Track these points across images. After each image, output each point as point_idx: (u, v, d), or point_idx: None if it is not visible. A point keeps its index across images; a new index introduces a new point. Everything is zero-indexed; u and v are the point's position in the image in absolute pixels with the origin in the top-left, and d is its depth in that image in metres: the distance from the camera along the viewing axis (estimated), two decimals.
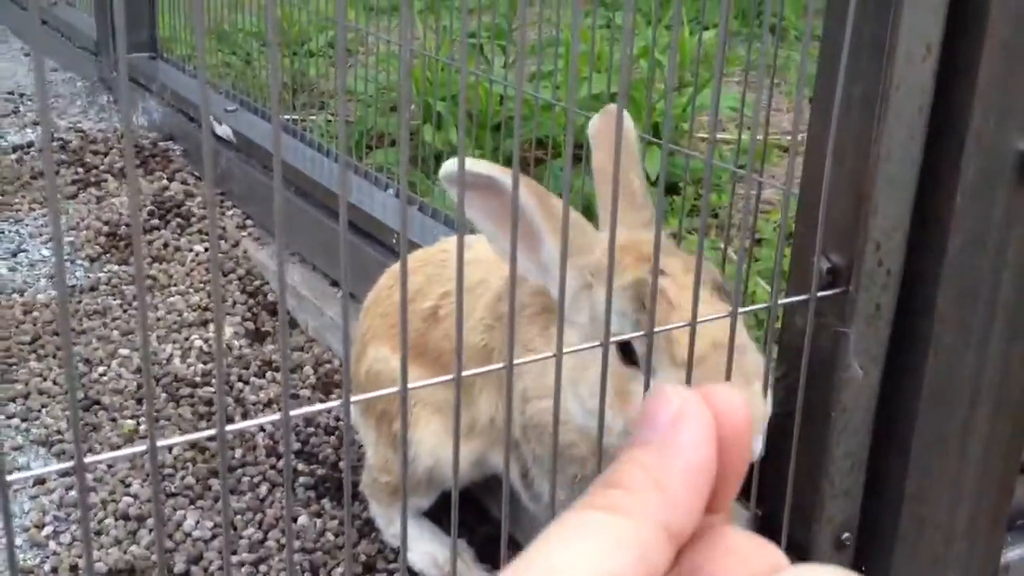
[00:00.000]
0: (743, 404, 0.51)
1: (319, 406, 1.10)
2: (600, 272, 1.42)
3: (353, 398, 1.00)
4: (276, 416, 1.05)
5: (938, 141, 1.30)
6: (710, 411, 0.51)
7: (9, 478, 0.85)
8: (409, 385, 1.03)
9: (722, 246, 3.11)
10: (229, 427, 1.03)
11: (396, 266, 2.14)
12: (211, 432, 1.01)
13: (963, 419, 1.44)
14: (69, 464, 0.88)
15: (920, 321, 1.36)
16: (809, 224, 1.37)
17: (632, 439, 0.52)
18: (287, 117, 3.55)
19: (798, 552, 1.47)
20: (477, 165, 1.42)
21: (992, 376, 1.43)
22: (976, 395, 1.44)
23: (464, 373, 1.03)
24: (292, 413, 1.05)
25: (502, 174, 1.42)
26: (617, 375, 1.40)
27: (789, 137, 3.81)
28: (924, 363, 1.37)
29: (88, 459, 0.89)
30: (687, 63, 4.11)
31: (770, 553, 0.50)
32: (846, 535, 1.46)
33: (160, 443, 0.93)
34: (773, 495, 1.47)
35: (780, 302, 1.31)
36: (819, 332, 1.36)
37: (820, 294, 1.32)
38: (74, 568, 2.05)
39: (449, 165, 1.35)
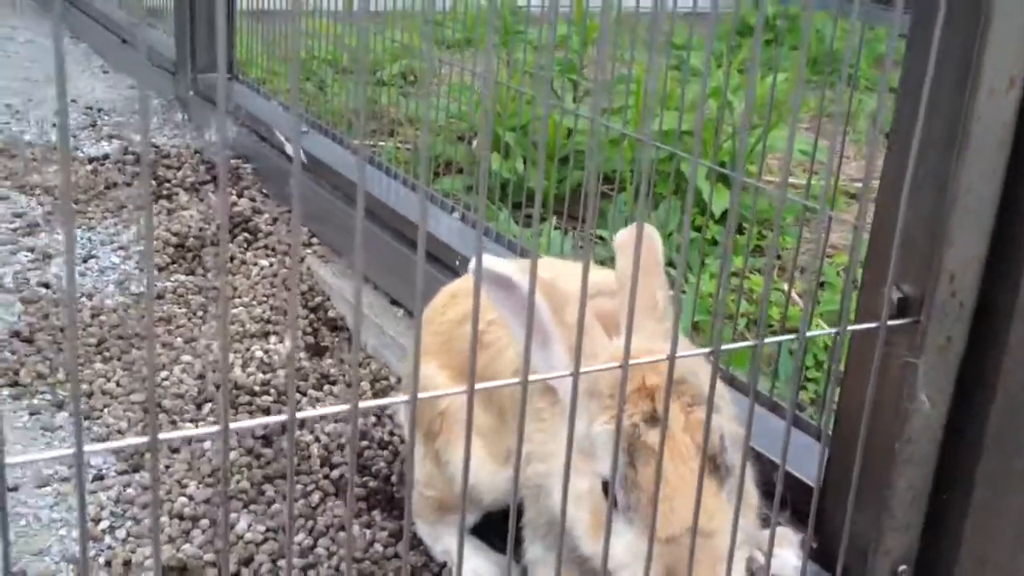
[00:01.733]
0: None
1: (385, 400, 1.11)
2: (595, 394, 1.46)
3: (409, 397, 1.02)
4: (345, 407, 1.07)
5: (1018, 173, 1.30)
6: None
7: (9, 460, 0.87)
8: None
9: (785, 287, 3.10)
10: (299, 414, 1.05)
11: (450, 285, 2.17)
12: (282, 418, 1.03)
13: None
14: (69, 451, 0.89)
15: (990, 355, 1.35)
16: (881, 256, 1.37)
17: None
18: (358, 142, 3.60)
19: None
20: (497, 265, 1.46)
21: None
22: None
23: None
24: (361, 405, 1.06)
25: (517, 275, 1.46)
26: (597, 509, 1.42)
27: (857, 183, 3.78)
28: (993, 398, 1.36)
29: (86, 448, 0.90)
30: (760, 106, 4.12)
31: None
32: (903, 568, 1.44)
33: (161, 436, 0.94)
34: (831, 525, 1.46)
35: (849, 328, 1.31)
36: (887, 362, 1.35)
37: (891, 323, 1.31)
38: (127, 563, 2.08)
39: (486, 266, 1.43)
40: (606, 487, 1.41)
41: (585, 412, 1.45)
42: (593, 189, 2.68)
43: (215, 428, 0.92)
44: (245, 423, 0.97)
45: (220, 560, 2.09)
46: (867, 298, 1.39)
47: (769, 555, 1.40)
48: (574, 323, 1.48)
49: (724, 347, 1.22)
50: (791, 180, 4.08)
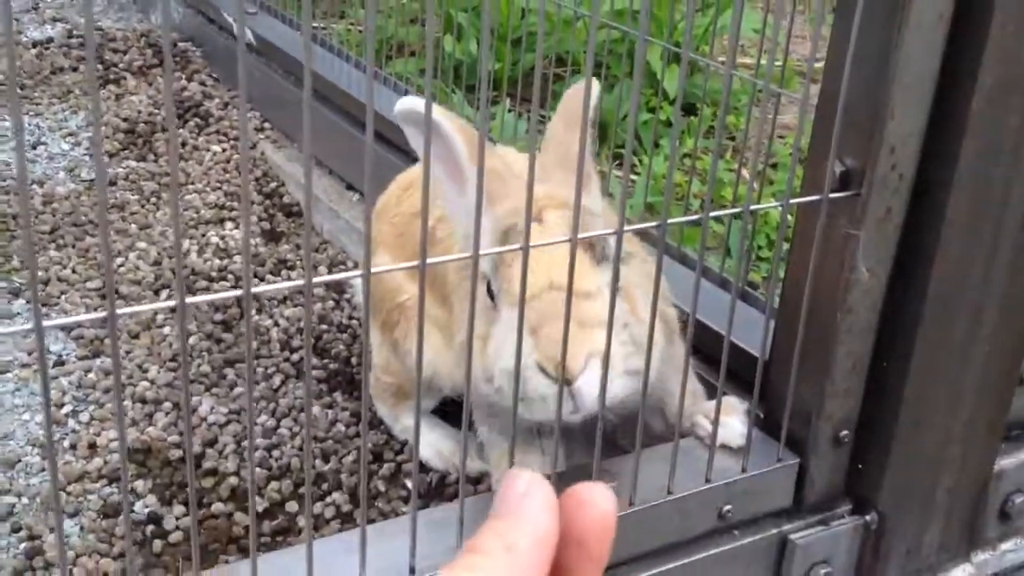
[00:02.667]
0: (611, 502, 0.65)
1: (340, 275, 1.13)
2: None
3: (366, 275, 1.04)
4: (300, 282, 1.08)
5: (957, 50, 1.32)
6: (578, 497, 0.65)
7: None
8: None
9: (736, 167, 3.13)
10: (255, 289, 1.07)
11: (404, 175, 2.17)
12: (238, 292, 1.05)
13: (967, 326, 1.48)
14: (28, 327, 0.90)
15: (929, 228, 1.39)
16: (826, 131, 1.40)
17: (491, 511, 0.65)
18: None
19: (798, 448, 1.51)
20: (415, 104, 1.43)
21: (999, 286, 1.47)
22: (981, 303, 1.47)
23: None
24: (315, 280, 1.08)
25: (440, 116, 1.45)
26: (481, 318, 1.43)
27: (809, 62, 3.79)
28: (931, 269, 1.41)
29: (46, 323, 0.91)
30: None
31: None
32: (844, 433, 1.51)
33: (120, 311, 0.96)
34: (775, 393, 1.52)
35: (792, 201, 1.35)
36: (830, 234, 1.39)
37: (832, 195, 1.35)
38: (92, 445, 2.11)
39: (402, 103, 1.41)
40: (488, 288, 1.45)
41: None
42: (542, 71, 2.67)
43: (173, 303, 0.94)
44: (202, 298, 0.99)
45: (184, 441, 2.13)
46: (811, 173, 1.42)
47: (716, 423, 1.46)
48: (493, 167, 1.48)
49: (670, 221, 1.25)
50: (744, 60, 4.08)
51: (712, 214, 1.26)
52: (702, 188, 3.17)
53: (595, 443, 1.31)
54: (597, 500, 0.66)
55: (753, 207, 1.31)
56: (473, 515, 1.28)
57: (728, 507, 1.45)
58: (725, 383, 1.46)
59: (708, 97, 3.65)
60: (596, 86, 1.58)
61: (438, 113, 1.45)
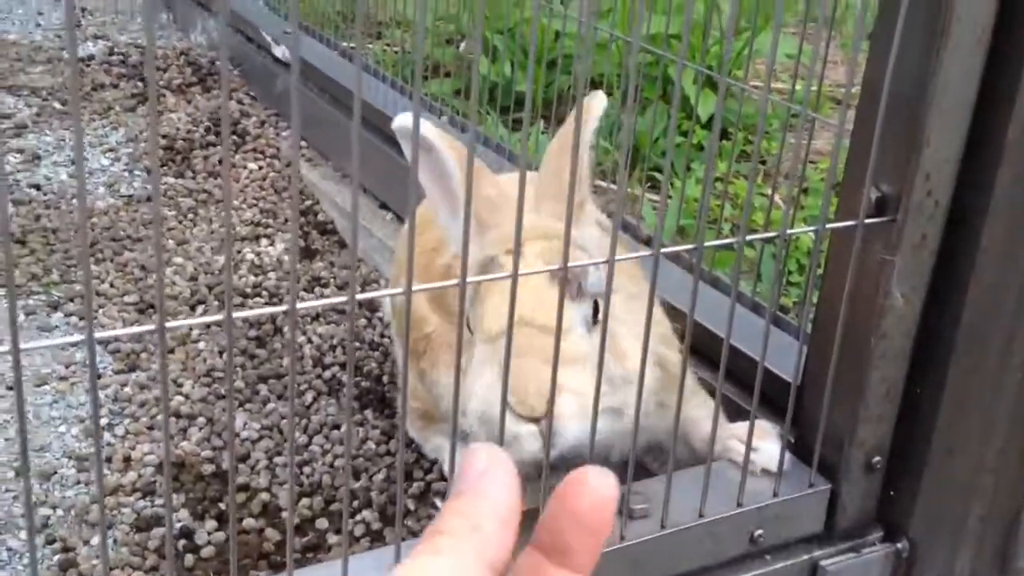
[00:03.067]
0: (611, 487, 0.64)
1: (382, 292, 1.14)
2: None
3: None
4: (343, 298, 1.09)
5: (994, 76, 1.32)
6: (578, 481, 0.65)
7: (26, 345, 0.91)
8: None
9: (769, 192, 3.14)
10: (300, 305, 1.08)
11: (423, 208, 2.14)
12: (283, 308, 1.06)
13: (1000, 354, 1.48)
14: (81, 338, 0.91)
15: (965, 254, 1.39)
16: (862, 157, 1.40)
17: (453, 489, 0.65)
18: (344, 44, 3.58)
19: (830, 474, 1.51)
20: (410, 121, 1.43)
21: None
22: (1015, 331, 1.47)
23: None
24: (358, 297, 1.09)
25: (433, 135, 1.44)
26: (466, 351, 1.39)
27: (843, 88, 3.80)
28: (965, 296, 1.40)
29: (99, 335, 0.92)
30: (747, 9, 4.10)
31: None
32: (877, 459, 1.50)
33: (169, 324, 0.98)
34: (807, 418, 1.52)
35: (828, 226, 1.35)
36: (864, 260, 1.39)
37: (868, 221, 1.35)
38: (127, 459, 2.14)
39: (399, 120, 1.41)
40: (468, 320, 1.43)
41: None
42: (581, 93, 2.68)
43: (219, 316, 0.96)
44: (249, 312, 1.01)
45: (227, 453, 2.15)
46: (847, 198, 1.42)
47: (748, 446, 1.46)
48: (487, 195, 1.48)
49: (707, 244, 1.26)
50: (777, 85, 4.09)
51: (748, 238, 1.26)
52: (733, 212, 3.18)
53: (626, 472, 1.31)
54: (592, 479, 0.66)
55: (789, 231, 1.31)
56: None
57: (760, 531, 1.45)
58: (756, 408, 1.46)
59: (741, 122, 3.66)
60: (602, 99, 1.54)
61: (431, 132, 1.44)
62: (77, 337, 0.89)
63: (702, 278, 2.12)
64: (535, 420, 1.25)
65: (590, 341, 1.36)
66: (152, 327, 0.95)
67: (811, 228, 1.34)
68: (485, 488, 0.63)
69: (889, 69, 1.30)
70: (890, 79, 1.29)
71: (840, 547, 1.53)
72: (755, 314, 2.01)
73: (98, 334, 0.93)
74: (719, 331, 1.81)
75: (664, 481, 1.40)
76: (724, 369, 1.41)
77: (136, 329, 0.95)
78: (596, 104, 1.53)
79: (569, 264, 1.16)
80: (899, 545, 1.56)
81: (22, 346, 0.86)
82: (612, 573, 1.36)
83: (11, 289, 0.87)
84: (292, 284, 0.97)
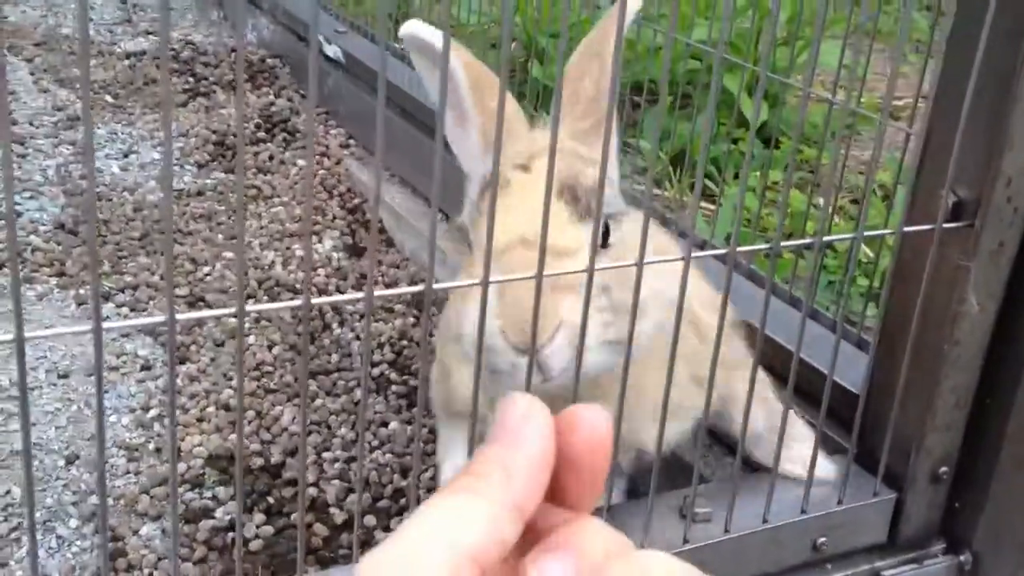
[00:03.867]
0: (604, 423, 0.64)
1: (401, 289, 1.11)
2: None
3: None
4: (420, 287, 1.07)
5: None
6: (570, 419, 0.66)
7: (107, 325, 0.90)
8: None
9: (820, 202, 3.10)
10: (315, 300, 1.06)
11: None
12: (360, 295, 1.05)
13: None
14: (87, 328, 0.89)
15: None
16: (935, 160, 1.38)
17: (489, 435, 0.66)
18: (395, 44, 3.58)
19: (895, 484, 1.49)
20: (423, 30, 1.34)
21: None
22: None
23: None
24: (376, 293, 1.05)
25: (437, 40, 1.33)
26: (465, 273, 1.33)
27: (898, 100, 3.74)
28: None
29: (106, 325, 0.90)
30: (794, 18, 4.07)
31: (621, 539, 0.61)
32: (944, 470, 1.48)
33: (249, 307, 0.95)
34: (872, 427, 1.49)
35: (906, 229, 1.33)
36: (939, 266, 1.37)
37: (945, 225, 1.32)
38: (177, 451, 2.13)
39: (407, 26, 1.33)
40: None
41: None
42: (670, 101, 2.67)
43: (298, 302, 0.95)
44: (326, 299, 1.00)
45: (298, 441, 2.15)
46: (920, 203, 1.40)
47: (814, 456, 1.43)
48: (494, 108, 1.39)
49: (740, 249, 1.23)
50: (823, 93, 4.04)
51: (826, 238, 1.24)
52: (787, 224, 3.14)
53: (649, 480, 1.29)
54: (587, 418, 0.66)
55: (867, 233, 1.29)
56: None
57: (823, 539, 1.43)
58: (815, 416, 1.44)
59: (789, 130, 3.62)
60: (636, 2, 1.40)
61: (435, 38, 1.34)
62: (159, 319, 0.88)
63: (762, 285, 2.10)
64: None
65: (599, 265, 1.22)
66: (163, 318, 0.93)
67: (889, 231, 1.32)
68: (523, 435, 0.65)
69: (974, 71, 1.27)
70: (975, 79, 1.27)
71: (902, 558, 1.51)
72: (813, 320, 1.99)
73: (106, 324, 0.90)
74: (779, 338, 1.79)
75: (727, 485, 1.38)
76: (792, 384, 1.39)
77: (219, 312, 0.94)
78: (630, 6, 1.37)
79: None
80: (962, 558, 1.53)
81: (106, 325, 0.85)
82: None
83: (94, 271, 0.86)
84: (370, 275, 0.96)
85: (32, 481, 0.89)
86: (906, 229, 1.32)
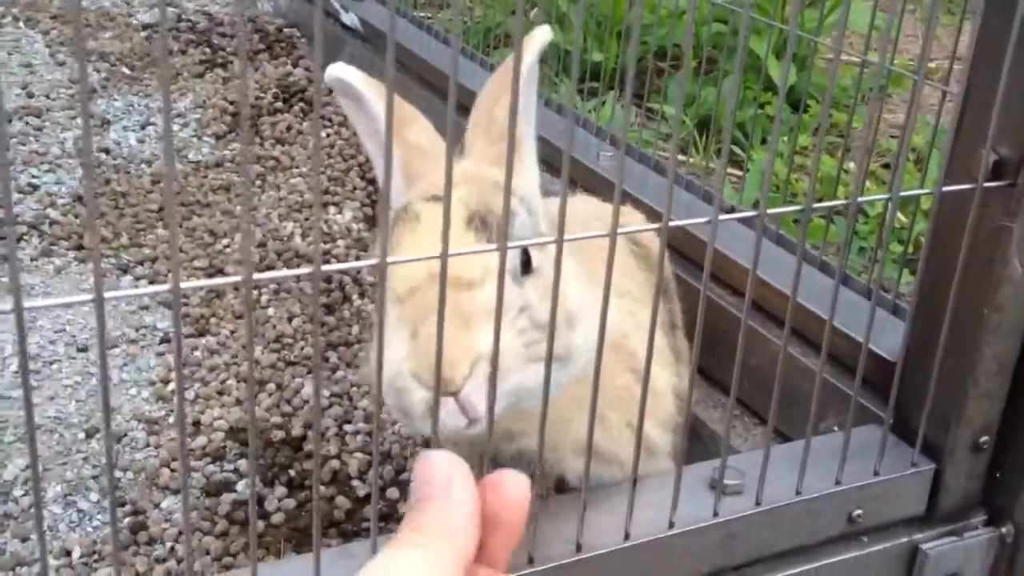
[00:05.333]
0: (524, 484, 0.75)
1: (415, 257, 1.05)
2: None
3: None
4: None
5: None
6: (492, 481, 0.76)
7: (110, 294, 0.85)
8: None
9: (851, 166, 3.04)
10: (325, 267, 1.02)
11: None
12: (373, 262, 1.01)
13: None
14: (88, 297, 0.84)
15: None
16: (977, 118, 1.33)
17: (417, 495, 0.75)
18: (414, 13, 3.53)
19: (933, 455, 1.44)
20: (345, 72, 1.30)
21: None
22: None
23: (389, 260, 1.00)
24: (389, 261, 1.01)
25: (361, 84, 1.30)
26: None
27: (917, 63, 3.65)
28: None
29: (107, 294, 0.85)
30: None
31: None
32: (984, 439, 1.43)
33: (183, 285, 0.91)
34: (909, 396, 1.44)
35: (945, 189, 1.27)
36: (979, 227, 1.32)
37: (986, 184, 1.27)
38: (196, 423, 2.11)
39: (331, 69, 1.29)
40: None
41: None
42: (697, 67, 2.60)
43: (308, 270, 0.91)
44: (337, 266, 0.96)
45: (312, 417, 2.12)
46: (957, 163, 1.34)
47: (847, 434, 1.38)
48: (417, 143, 1.31)
49: (770, 211, 1.18)
50: (851, 58, 3.96)
51: (860, 199, 1.19)
52: (817, 188, 3.08)
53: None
54: (509, 483, 0.76)
55: (903, 193, 1.24)
56: None
57: (859, 511, 1.38)
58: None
59: (819, 93, 3.55)
60: (545, 32, 1.32)
61: (363, 84, 1.31)
62: (85, 297, 0.83)
63: (794, 251, 2.05)
64: (452, 394, 1.05)
65: (518, 292, 1.15)
66: (166, 285, 0.88)
67: (928, 191, 1.26)
68: (454, 494, 0.73)
69: (1015, 28, 1.21)
70: (1016, 35, 1.21)
71: (941, 530, 1.46)
72: (844, 287, 1.94)
73: (108, 293, 0.85)
74: (810, 305, 1.74)
75: (759, 456, 1.33)
76: (826, 352, 1.34)
77: (222, 280, 0.90)
78: (536, 39, 1.31)
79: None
80: (1003, 530, 1.49)
81: (107, 295, 0.82)
82: (705, 549, 1.30)
83: (96, 251, 0.82)
84: (383, 241, 0.91)
85: (37, 459, 0.85)
86: (945, 189, 1.27)
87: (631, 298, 1.48)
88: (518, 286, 1.15)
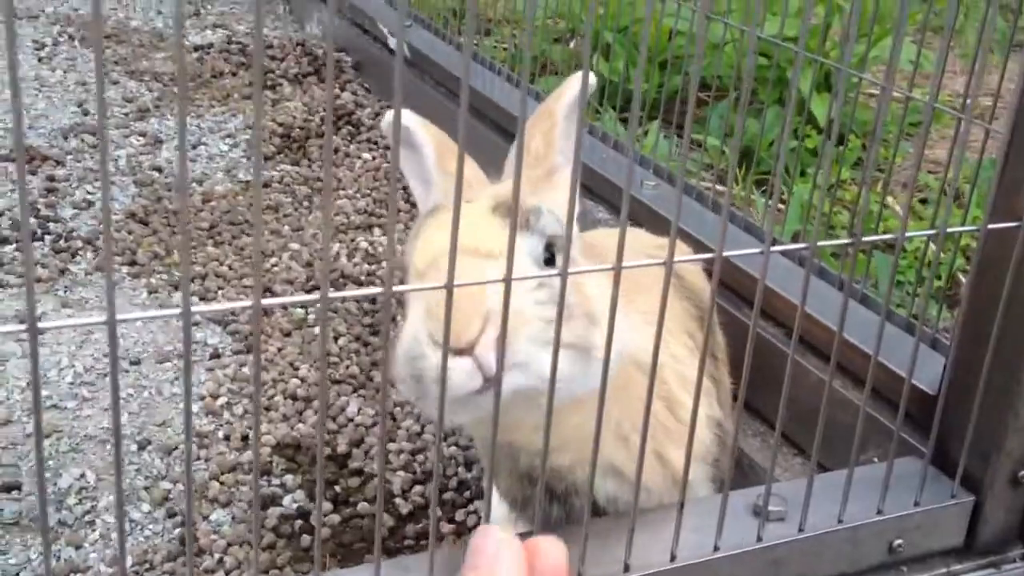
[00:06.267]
0: (563, 553, 0.84)
1: (543, 274, 1.12)
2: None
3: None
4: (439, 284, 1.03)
5: None
6: (533, 548, 0.85)
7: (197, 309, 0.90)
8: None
9: (890, 200, 3.06)
10: (332, 294, 1.04)
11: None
12: (378, 290, 1.06)
13: None
14: (102, 320, 0.88)
15: None
16: (1020, 155, 1.36)
17: (468, 561, 0.83)
18: (457, 38, 3.59)
19: (973, 487, 1.46)
20: (407, 120, 1.39)
21: None
22: None
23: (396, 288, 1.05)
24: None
25: (416, 125, 1.40)
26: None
27: (960, 99, 3.68)
28: None
29: (120, 316, 0.88)
30: (865, 16, 4.02)
31: None
32: (1023, 473, 1.45)
33: (332, 294, 0.96)
34: (951, 429, 1.47)
35: (990, 226, 1.30)
36: (1022, 263, 1.34)
37: None
38: (245, 438, 2.16)
39: (386, 118, 1.34)
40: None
41: None
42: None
43: (378, 290, 0.95)
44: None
45: (341, 437, 2.16)
46: (1001, 200, 1.37)
47: (890, 466, 1.41)
48: (452, 170, 1.35)
49: (820, 244, 1.21)
50: (895, 94, 3.99)
51: (908, 234, 1.22)
52: (855, 221, 3.11)
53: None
54: (548, 549, 0.84)
55: (950, 229, 1.27)
56: None
57: (899, 541, 1.41)
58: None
59: (859, 128, 3.58)
60: (591, 81, 1.32)
61: (415, 123, 1.41)
62: (246, 303, 0.89)
63: (839, 286, 2.07)
64: (462, 352, 1.06)
65: (538, 270, 1.20)
66: (177, 311, 0.94)
67: (972, 228, 1.30)
68: (502, 565, 0.81)
69: None
70: None
71: (979, 562, 1.48)
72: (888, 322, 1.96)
73: (266, 301, 0.92)
74: (851, 337, 1.77)
75: (799, 485, 1.36)
76: (870, 386, 1.37)
77: (302, 298, 0.95)
78: (576, 80, 1.41)
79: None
80: None
81: (195, 309, 0.87)
82: (750, 573, 1.33)
83: (186, 254, 0.87)
84: (451, 259, 0.96)
85: (120, 463, 0.90)
86: (991, 226, 1.30)
87: (664, 327, 1.52)
88: (539, 268, 1.21)
